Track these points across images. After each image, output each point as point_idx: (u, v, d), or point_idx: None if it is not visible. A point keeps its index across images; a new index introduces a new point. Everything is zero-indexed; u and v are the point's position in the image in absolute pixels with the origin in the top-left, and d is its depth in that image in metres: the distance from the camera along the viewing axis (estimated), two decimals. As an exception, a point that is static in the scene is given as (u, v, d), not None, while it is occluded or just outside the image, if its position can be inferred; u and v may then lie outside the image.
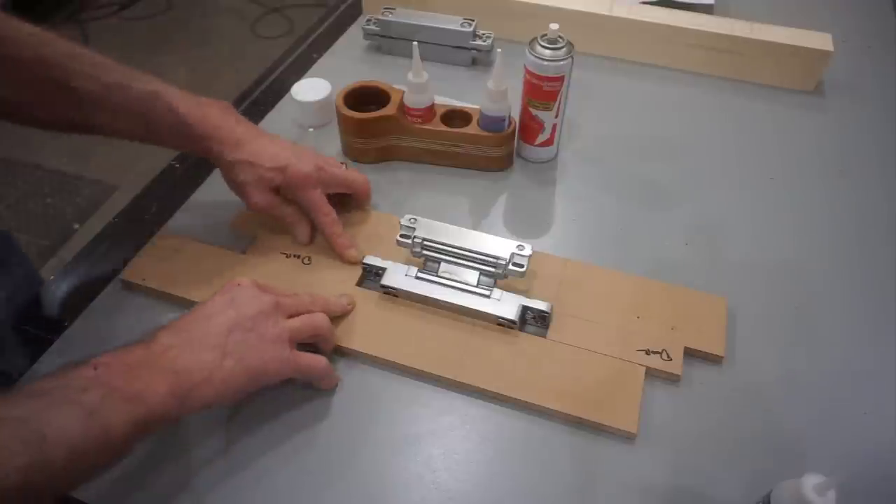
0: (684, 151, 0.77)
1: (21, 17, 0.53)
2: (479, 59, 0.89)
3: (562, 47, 0.66)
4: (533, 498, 0.49)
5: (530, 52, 0.66)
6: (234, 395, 0.47)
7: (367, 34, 0.90)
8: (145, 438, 0.43)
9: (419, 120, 0.71)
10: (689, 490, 0.49)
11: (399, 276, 0.59)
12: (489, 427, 0.52)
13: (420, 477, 0.49)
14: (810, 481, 0.39)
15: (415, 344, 0.56)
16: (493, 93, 0.67)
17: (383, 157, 0.74)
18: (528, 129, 0.72)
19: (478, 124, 0.71)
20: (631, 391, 0.53)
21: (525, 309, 0.57)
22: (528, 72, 0.67)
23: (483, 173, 0.73)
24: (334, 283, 0.61)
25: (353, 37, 0.94)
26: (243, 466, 0.50)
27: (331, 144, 0.76)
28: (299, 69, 0.88)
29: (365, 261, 0.61)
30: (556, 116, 0.70)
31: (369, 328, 0.57)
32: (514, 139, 0.73)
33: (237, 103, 0.84)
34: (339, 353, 0.57)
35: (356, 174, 0.67)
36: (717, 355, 0.56)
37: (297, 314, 0.52)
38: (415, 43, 0.66)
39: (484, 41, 0.86)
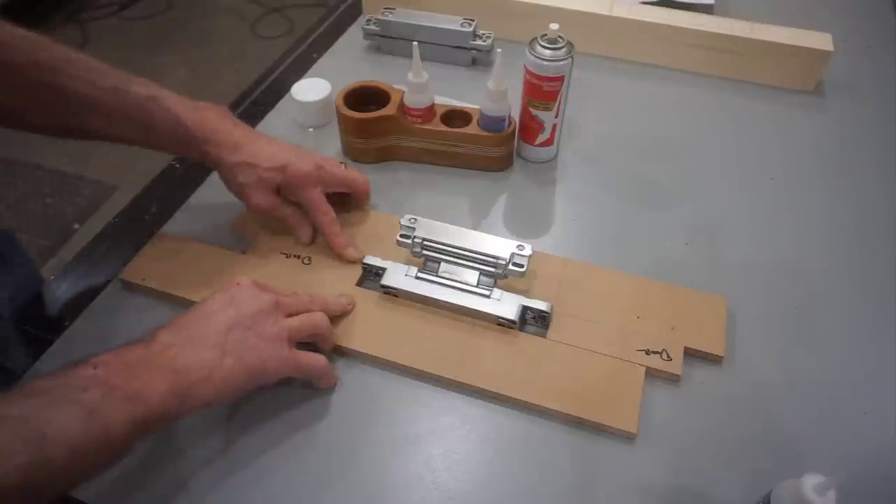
0: (684, 151, 0.77)
1: (16, 21, 0.53)
2: (479, 59, 0.89)
3: (562, 47, 0.66)
4: (533, 498, 0.49)
5: (530, 52, 0.66)
6: (233, 394, 0.47)
7: (367, 34, 0.90)
8: (145, 437, 0.43)
9: (419, 120, 0.71)
10: (689, 490, 0.49)
11: (399, 276, 0.59)
12: (489, 427, 0.52)
13: (420, 477, 0.49)
14: (810, 481, 0.39)
15: (415, 344, 0.56)
16: (493, 93, 0.67)
17: (383, 157, 0.74)
18: (528, 129, 0.72)
19: (478, 124, 0.71)
20: (631, 391, 0.53)
21: (525, 309, 0.57)
22: (528, 72, 0.67)
23: (483, 173, 0.73)
24: (334, 283, 0.61)
25: (353, 37, 0.94)
26: (243, 466, 0.50)
27: (331, 144, 0.76)
28: (299, 69, 0.88)
29: (365, 261, 0.61)
30: (556, 116, 0.70)
31: (369, 328, 0.57)
32: (514, 139, 0.73)
33: (237, 103, 0.84)
34: (338, 352, 0.57)
35: (356, 174, 0.67)
36: (717, 355, 0.56)
37: (297, 313, 0.52)
38: (415, 43, 0.66)
39: (484, 41, 0.86)
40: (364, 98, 0.73)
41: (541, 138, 0.72)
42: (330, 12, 1.00)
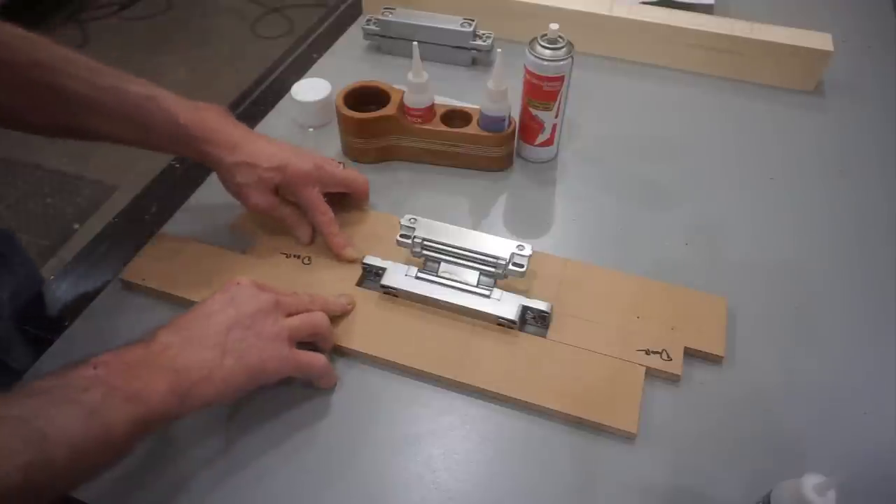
0: (684, 151, 0.77)
1: (16, 21, 0.53)
2: (479, 59, 0.89)
3: (562, 47, 0.66)
4: (533, 498, 0.49)
5: (530, 52, 0.66)
6: (234, 394, 0.47)
7: (367, 34, 0.90)
8: (146, 438, 0.43)
9: (419, 120, 0.71)
10: (689, 490, 0.49)
11: (399, 276, 0.59)
12: (489, 427, 0.52)
13: (420, 477, 0.49)
14: (810, 481, 0.39)
15: (415, 344, 0.56)
16: (493, 93, 0.67)
17: (383, 157, 0.74)
18: (528, 129, 0.72)
19: (478, 124, 0.71)
20: (631, 391, 0.53)
21: (525, 309, 0.57)
22: (528, 72, 0.67)
23: (483, 173, 0.73)
24: (334, 283, 0.61)
25: (353, 37, 0.94)
26: (243, 466, 0.50)
27: (331, 144, 0.76)
28: (299, 69, 0.88)
29: (365, 261, 0.61)
30: (556, 116, 0.70)
31: (369, 328, 0.57)
32: (514, 139, 0.73)
33: (237, 103, 0.84)
34: (338, 352, 0.57)
35: (354, 173, 0.67)
36: (717, 355, 0.56)
37: (297, 313, 0.52)
38: (415, 43, 0.66)
39: (484, 41, 0.86)
40: (364, 98, 0.73)
41: (541, 138, 0.72)
42: (330, 12, 1.00)
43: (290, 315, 0.52)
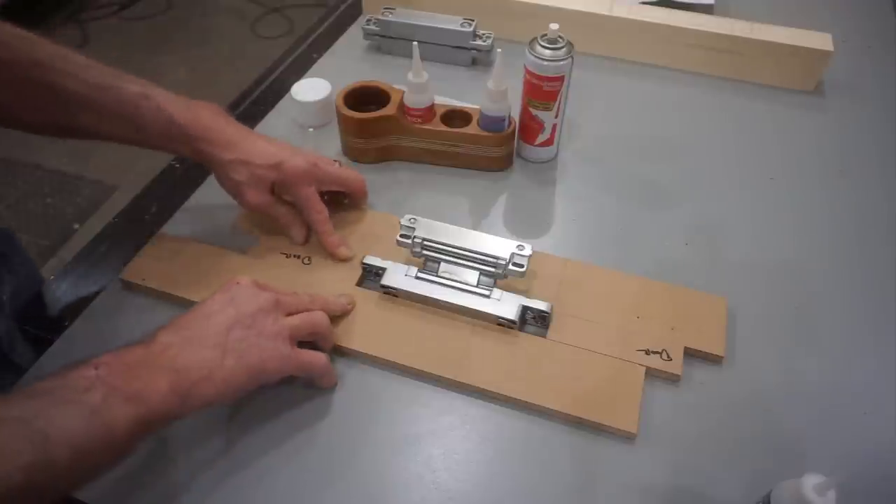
0: (684, 151, 0.77)
1: (16, 21, 0.53)
2: (479, 59, 0.89)
3: (562, 47, 0.66)
4: (533, 498, 0.49)
5: (530, 52, 0.66)
6: (234, 393, 0.47)
7: (367, 34, 0.90)
8: (147, 438, 0.43)
9: (419, 120, 0.71)
10: (689, 490, 0.49)
11: (399, 276, 0.59)
12: (489, 427, 0.53)
13: (420, 477, 0.49)
14: (810, 481, 0.39)
15: (415, 344, 0.56)
16: (493, 93, 0.67)
17: (383, 157, 0.74)
18: (528, 129, 0.72)
19: (478, 124, 0.71)
20: (631, 391, 0.53)
21: (525, 309, 0.57)
22: (528, 72, 0.67)
23: (483, 173, 0.73)
24: (334, 283, 0.61)
25: (353, 37, 0.94)
26: (244, 466, 0.50)
27: (331, 144, 0.76)
28: (299, 69, 0.88)
29: (365, 261, 0.61)
30: (556, 116, 0.70)
31: (369, 328, 0.57)
32: (514, 139, 0.73)
33: (237, 103, 0.84)
34: (339, 352, 0.57)
35: (351, 172, 0.67)
36: (717, 355, 0.56)
37: (297, 312, 0.52)
38: (415, 43, 0.66)
39: (484, 41, 0.86)
40: (364, 98, 0.73)
41: (541, 138, 0.72)
42: (330, 12, 1.00)
43: (290, 314, 0.52)
